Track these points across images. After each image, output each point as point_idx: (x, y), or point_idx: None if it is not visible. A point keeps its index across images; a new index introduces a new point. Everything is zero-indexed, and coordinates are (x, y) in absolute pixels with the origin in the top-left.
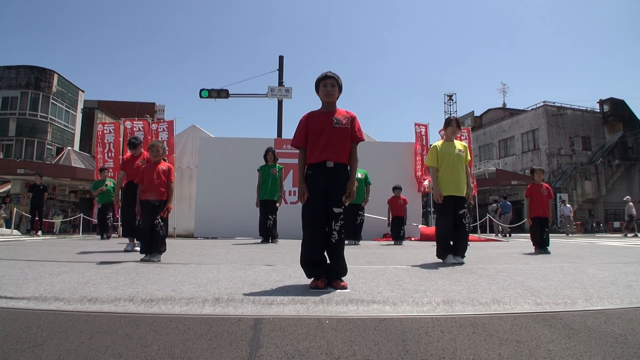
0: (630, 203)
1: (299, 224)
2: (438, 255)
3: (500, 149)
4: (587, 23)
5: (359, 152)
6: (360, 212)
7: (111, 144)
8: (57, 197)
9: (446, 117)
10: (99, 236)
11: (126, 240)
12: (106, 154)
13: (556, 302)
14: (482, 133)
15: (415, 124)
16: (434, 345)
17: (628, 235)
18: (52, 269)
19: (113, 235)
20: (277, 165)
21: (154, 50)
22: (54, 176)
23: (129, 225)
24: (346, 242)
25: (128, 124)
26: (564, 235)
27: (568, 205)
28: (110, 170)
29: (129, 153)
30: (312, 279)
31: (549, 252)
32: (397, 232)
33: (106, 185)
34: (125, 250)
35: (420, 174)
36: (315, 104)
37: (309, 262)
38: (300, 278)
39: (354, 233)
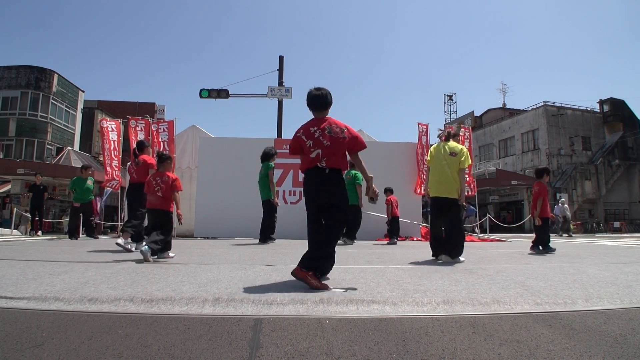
0: (566, 205)
1: (298, 224)
2: (433, 255)
3: (500, 149)
4: (587, 23)
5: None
6: (357, 213)
7: (115, 142)
8: (57, 197)
9: (446, 125)
10: (71, 237)
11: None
12: (112, 152)
13: (556, 302)
14: (482, 133)
15: (418, 124)
16: (434, 345)
17: (563, 235)
18: (52, 269)
19: (104, 236)
20: (266, 163)
21: (154, 50)
22: (54, 176)
23: (136, 230)
24: (340, 241)
25: (133, 122)
26: (566, 235)
27: (566, 205)
28: (116, 169)
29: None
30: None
31: (554, 250)
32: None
33: (87, 184)
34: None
35: (421, 174)
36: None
37: None
38: None
39: (348, 233)
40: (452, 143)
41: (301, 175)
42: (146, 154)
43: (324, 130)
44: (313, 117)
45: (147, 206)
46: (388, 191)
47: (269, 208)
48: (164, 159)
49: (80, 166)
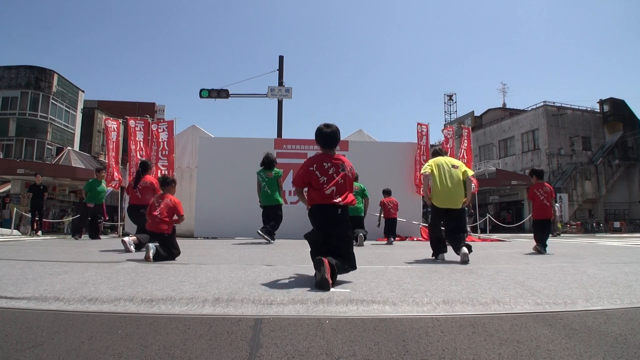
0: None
1: (299, 224)
2: (433, 254)
3: (500, 149)
4: (587, 23)
5: (360, 153)
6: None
7: (115, 142)
8: (57, 197)
9: (446, 125)
10: (74, 236)
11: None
12: (111, 152)
13: (556, 302)
14: (482, 133)
15: (418, 124)
16: (434, 345)
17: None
18: (52, 269)
19: (104, 236)
20: (275, 170)
21: (154, 50)
22: (54, 176)
23: (144, 243)
24: None
25: (132, 122)
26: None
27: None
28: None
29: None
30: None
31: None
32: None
33: (101, 186)
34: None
35: (419, 174)
36: (314, 101)
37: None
38: (300, 278)
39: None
40: (448, 157)
41: None
42: (150, 174)
43: (338, 167)
44: (321, 152)
45: (147, 227)
46: (385, 193)
47: (280, 212)
48: (168, 183)
49: (94, 168)
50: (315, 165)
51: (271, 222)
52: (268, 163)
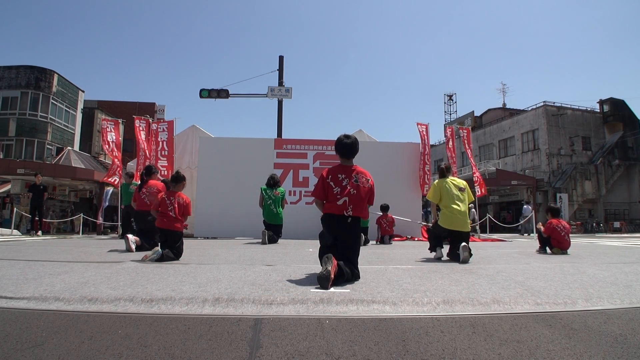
0: (527, 206)
1: (298, 225)
2: (430, 247)
3: (500, 149)
4: (587, 23)
5: (360, 153)
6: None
7: (112, 143)
8: (57, 197)
9: (446, 125)
10: (120, 236)
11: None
12: (111, 152)
13: (556, 302)
14: (482, 133)
15: (418, 124)
16: (434, 345)
17: (524, 235)
18: (52, 269)
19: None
20: (280, 188)
21: (154, 50)
22: (54, 176)
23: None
24: None
25: (137, 122)
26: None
27: (529, 206)
28: (119, 170)
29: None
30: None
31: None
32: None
33: (130, 188)
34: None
35: (421, 173)
36: (314, 101)
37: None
38: (300, 278)
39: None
40: (452, 177)
41: (301, 176)
42: (154, 179)
43: (352, 178)
44: (340, 162)
45: (158, 225)
46: (382, 209)
47: (281, 230)
48: (180, 180)
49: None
50: (330, 177)
51: (274, 236)
52: (274, 183)
